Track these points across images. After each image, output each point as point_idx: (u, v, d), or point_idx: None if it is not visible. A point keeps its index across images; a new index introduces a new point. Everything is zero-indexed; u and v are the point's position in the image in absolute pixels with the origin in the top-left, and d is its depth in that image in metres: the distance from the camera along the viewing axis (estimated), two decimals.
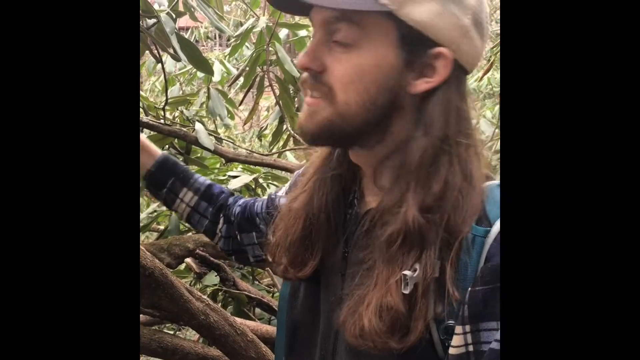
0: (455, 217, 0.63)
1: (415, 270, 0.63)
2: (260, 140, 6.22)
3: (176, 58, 1.47)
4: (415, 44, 0.64)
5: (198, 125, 1.87)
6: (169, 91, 2.72)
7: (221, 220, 1.04)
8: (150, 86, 3.90)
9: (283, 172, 1.90)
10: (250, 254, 1.01)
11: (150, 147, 1.06)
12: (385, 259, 0.65)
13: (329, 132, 0.68)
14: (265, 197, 1.02)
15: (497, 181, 0.67)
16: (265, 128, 2.61)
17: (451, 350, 0.61)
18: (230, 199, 1.05)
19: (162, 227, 2.32)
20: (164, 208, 2.30)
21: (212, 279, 1.57)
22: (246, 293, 1.63)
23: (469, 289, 0.60)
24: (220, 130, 3.09)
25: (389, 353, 0.63)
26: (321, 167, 0.78)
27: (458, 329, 0.61)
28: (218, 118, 2.46)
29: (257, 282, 1.86)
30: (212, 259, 1.61)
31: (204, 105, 2.58)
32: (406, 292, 0.62)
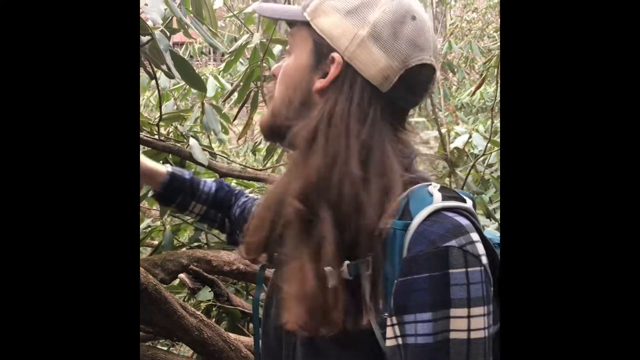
0: (357, 211, 0.67)
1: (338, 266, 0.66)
2: (255, 155, 6.23)
3: (170, 75, 1.48)
4: (321, 49, 0.75)
5: (192, 141, 1.88)
6: (163, 107, 2.74)
7: (226, 220, 1.12)
8: (144, 101, 3.92)
9: None
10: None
11: (154, 167, 1.09)
12: (291, 249, 0.72)
13: (268, 128, 0.80)
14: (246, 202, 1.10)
15: (426, 184, 0.71)
16: (260, 143, 2.62)
17: (386, 343, 0.64)
18: (233, 199, 1.12)
19: (156, 242, 2.32)
20: (158, 223, 2.31)
21: (206, 294, 1.57)
22: (240, 308, 1.63)
23: (395, 280, 0.64)
24: (215, 145, 3.10)
25: (336, 346, 0.67)
26: None
27: (388, 321, 0.64)
28: (212, 133, 2.48)
29: (250, 297, 1.86)
30: (205, 274, 1.61)
31: (199, 121, 2.60)
32: (330, 285, 0.66)
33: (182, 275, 1.62)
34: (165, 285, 1.64)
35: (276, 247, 0.80)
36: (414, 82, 0.74)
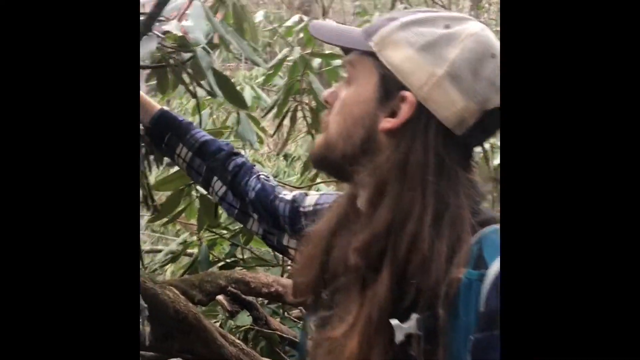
0: (425, 265, 0.62)
1: (409, 320, 0.62)
2: (287, 160, 6.19)
3: (212, 94, 1.45)
4: (390, 84, 0.69)
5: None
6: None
7: (219, 184, 1.02)
8: (180, 109, 3.92)
9: None
10: (274, 242, 0.99)
11: (149, 102, 1.06)
12: (347, 300, 0.67)
13: (320, 159, 0.76)
14: (283, 194, 0.99)
15: (495, 226, 0.65)
16: (294, 154, 2.57)
17: None
18: (232, 165, 1.02)
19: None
20: (194, 238, 2.28)
21: (245, 319, 1.53)
22: (278, 333, 1.59)
23: (470, 336, 0.59)
24: (247, 151, 3.08)
25: None
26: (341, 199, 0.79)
27: None
28: (247, 143, 2.45)
29: (287, 315, 1.82)
30: (244, 296, 1.57)
31: (234, 129, 2.57)
32: (397, 341, 0.62)
33: (219, 297, 1.59)
34: (202, 307, 1.61)
35: (325, 290, 0.75)
36: (489, 123, 0.68)
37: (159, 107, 1.06)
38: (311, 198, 0.94)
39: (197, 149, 1.03)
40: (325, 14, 4.21)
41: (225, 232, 2.18)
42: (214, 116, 3.23)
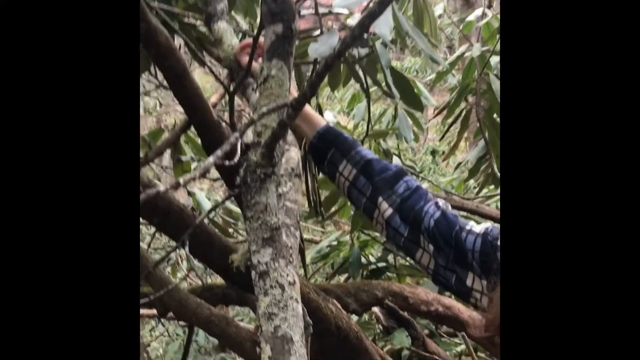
0: None
1: None
2: (433, 157, 5.96)
3: (389, 95, 1.34)
4: None
5: (396, 161, 1.74)
6: (355, 109, 2.64)
7: (385, 206, 0.90)
8: (334, 101, 3.88)
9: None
10: (451, 280, 0.86)
11: (315, 117, 0.97)
12: None
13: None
14: (470, 225, 0.86)
15: None
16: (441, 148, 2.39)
17: None
18: (402, 187, 0.90)
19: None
20: (347, 238, 2.22)
21: (403, 339, 1.41)
22: (436, 357, 1.46)
23: None
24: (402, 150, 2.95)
25: None
26: None
27: None
28: (404, 140, 2.33)
29: (444, 339, 1.67)
30: (401, 312, 1.45)
31: (390, 125, 2.46)
32: None
33: (375, 310, 1.49)
34: (356, 317, 1.53)
35: None
36: None
37: (324, 122, 0.98)
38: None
39: (362, 166, 0.93)
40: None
41: (377, 234, 2.09)
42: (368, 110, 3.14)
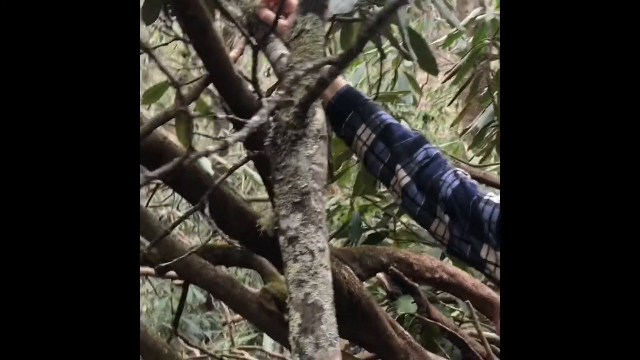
0: None
1: None
2: (425, 122, 5.91)
3: (408, 57, 1.29)
4: None
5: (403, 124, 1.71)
6: (354, 70, 2.58)
7: (402, 173, 0.87)
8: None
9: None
10: (466, 252, 0.84)
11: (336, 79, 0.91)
12: None
13: None
14: (488, 195, 0.83)
15: None
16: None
17: None
18: (422, 155, 0.87)
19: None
20: (347, 202, 2.19)
21: (409, 305, 1.40)
22: (439, 324, 1.46)
23: None
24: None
25: None
26: None
27: None
28: (402, 102, 2.30)
29: (446, 307, 1.68)
30: (406, 279, 1.44)
31: (389, 88, 2.41)
32: None
33: (380, 276, 1.48)
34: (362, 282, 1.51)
35: None
36: None
37: (344, 82, 0.93)
38: None
39: (382, 131, 0.89)
40: None
41: (378, 199, 2.07)
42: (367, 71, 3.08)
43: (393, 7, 0.57)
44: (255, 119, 0.53)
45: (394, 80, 2.32)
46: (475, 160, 2.30)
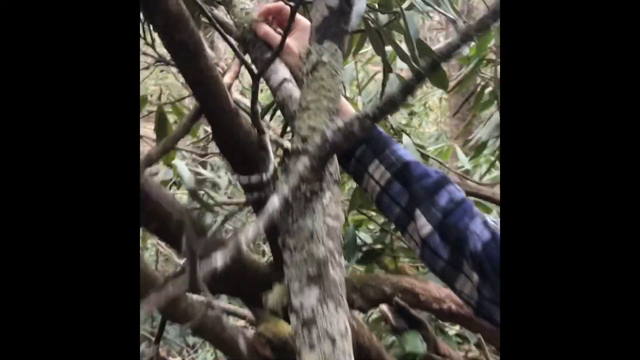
0: None
1: None
2: (411, 119, 5.82)
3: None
4: None
5: (405, 139, 1.58)
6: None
7: (423, 221, 0.75)
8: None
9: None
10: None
11: (344, 104, 0.80)
12: None
13: None
14: None
15: None
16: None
17: None
18: (445, 199, 0.74)
19: None
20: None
21: (417, 344, 1.28)
22: None
23: None
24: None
25: None
26: None
27: None
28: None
29: (446, 332, 1.56)
30: (412, 311, 1.32)
31: (379, 91, 2.29)
32: None
33: (383, 308, 1.35)
34: (363, 315, 1.39)
35: None
36: None
37: (353, 110, 0.81)
38: None
39: (398, 170, 0.77)
40: None
41: (374, 213, 1.95)
42: (356, 73, 2.95)
43: (451, 50, 0.44)
44: (275, 203, 0.40)
45: (384, 84, 2.21)
46: (468, 167, 2.20)
